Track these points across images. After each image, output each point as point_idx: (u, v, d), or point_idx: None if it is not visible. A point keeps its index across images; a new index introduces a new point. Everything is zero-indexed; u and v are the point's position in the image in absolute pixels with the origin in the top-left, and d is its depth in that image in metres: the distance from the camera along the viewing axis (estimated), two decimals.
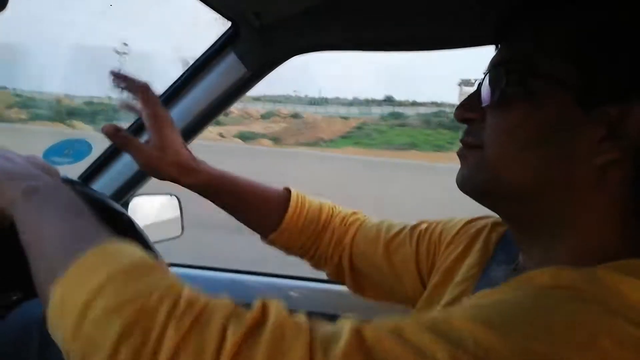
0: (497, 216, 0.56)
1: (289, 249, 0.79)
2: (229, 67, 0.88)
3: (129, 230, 0.79)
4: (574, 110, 0.42)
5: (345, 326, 0.35)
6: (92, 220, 0.45)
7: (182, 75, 0.93)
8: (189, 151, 0.70)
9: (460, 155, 0.51)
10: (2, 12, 0.58)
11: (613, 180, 0.42)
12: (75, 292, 0.36)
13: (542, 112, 0.44)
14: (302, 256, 0.80)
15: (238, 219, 0.78)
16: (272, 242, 0.79)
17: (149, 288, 0.36)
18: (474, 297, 0.44)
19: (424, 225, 0.73)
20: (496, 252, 0.59)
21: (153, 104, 0.66)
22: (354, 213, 0.82)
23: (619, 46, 0.41)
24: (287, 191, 0.79)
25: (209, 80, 0.90)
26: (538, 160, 0.44)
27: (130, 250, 0.41)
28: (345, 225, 0.79)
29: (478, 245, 0.62)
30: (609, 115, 0.41)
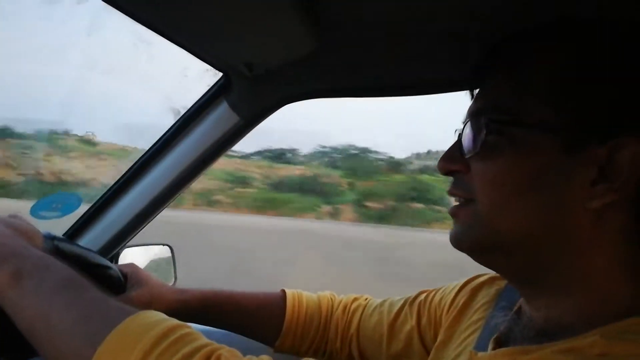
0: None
1: (299, 352, 0.77)
2: (222, 116, 0.88)
3: (116, 285, 0.76)
4: (560, 155, 0.41)
5: None
6: (96, 293, 0.44)
7: (174, 125, 0.93)
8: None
9: (452, 213, 0.49)
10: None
11: (612, 224, 0.40)
12: None
13: (527, 160, 0.42)
14: (315, 357, 0.77)
15: (242, 332, 0.78)
16: (280, 349, 0.76)
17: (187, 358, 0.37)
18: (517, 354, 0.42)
19: (422, 296, 0.72)
20: (498, 302, 0.58)
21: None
22: (355, 299, 0.80)
23: (595, 86, 0.40)
24: (284, 292, 0.78)
25: (201, 129, 0.90)
26: (530, 208, 0.42)
27: (153, 319, 0.40)
28: (348, 314, 0.77)
29: (479, 299, 0.61)
30: (597, 156, 0.40)
